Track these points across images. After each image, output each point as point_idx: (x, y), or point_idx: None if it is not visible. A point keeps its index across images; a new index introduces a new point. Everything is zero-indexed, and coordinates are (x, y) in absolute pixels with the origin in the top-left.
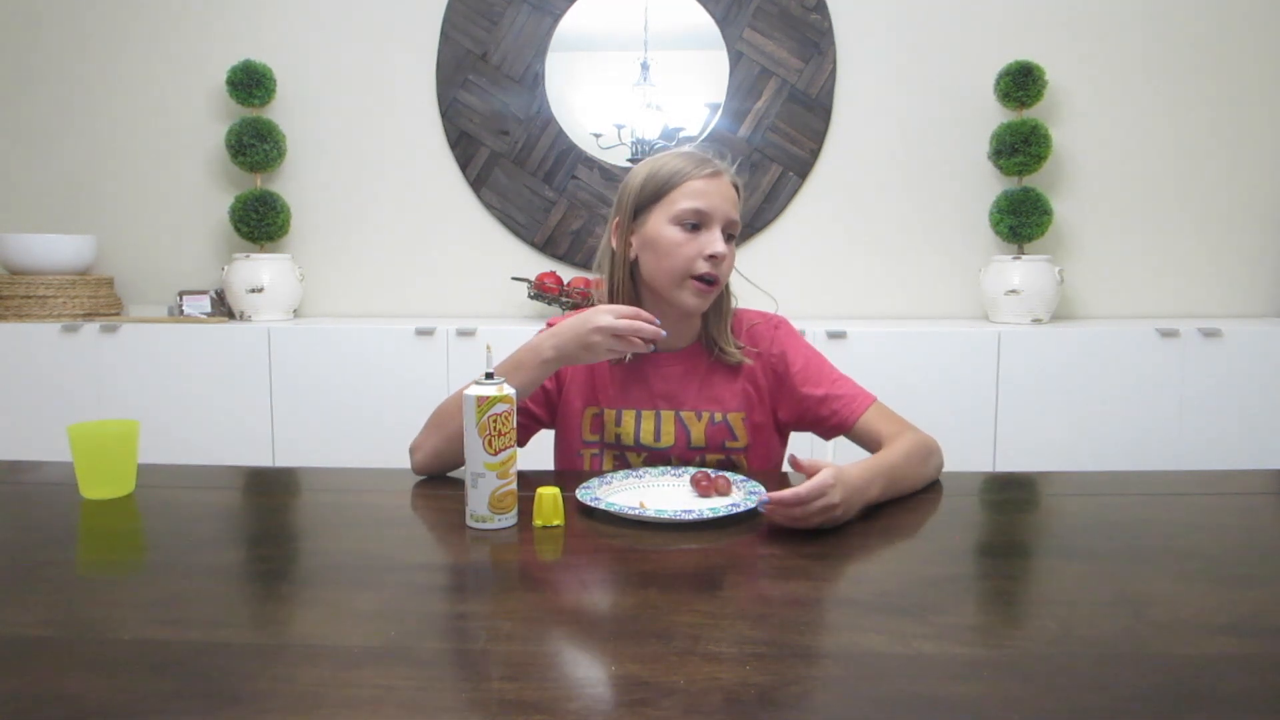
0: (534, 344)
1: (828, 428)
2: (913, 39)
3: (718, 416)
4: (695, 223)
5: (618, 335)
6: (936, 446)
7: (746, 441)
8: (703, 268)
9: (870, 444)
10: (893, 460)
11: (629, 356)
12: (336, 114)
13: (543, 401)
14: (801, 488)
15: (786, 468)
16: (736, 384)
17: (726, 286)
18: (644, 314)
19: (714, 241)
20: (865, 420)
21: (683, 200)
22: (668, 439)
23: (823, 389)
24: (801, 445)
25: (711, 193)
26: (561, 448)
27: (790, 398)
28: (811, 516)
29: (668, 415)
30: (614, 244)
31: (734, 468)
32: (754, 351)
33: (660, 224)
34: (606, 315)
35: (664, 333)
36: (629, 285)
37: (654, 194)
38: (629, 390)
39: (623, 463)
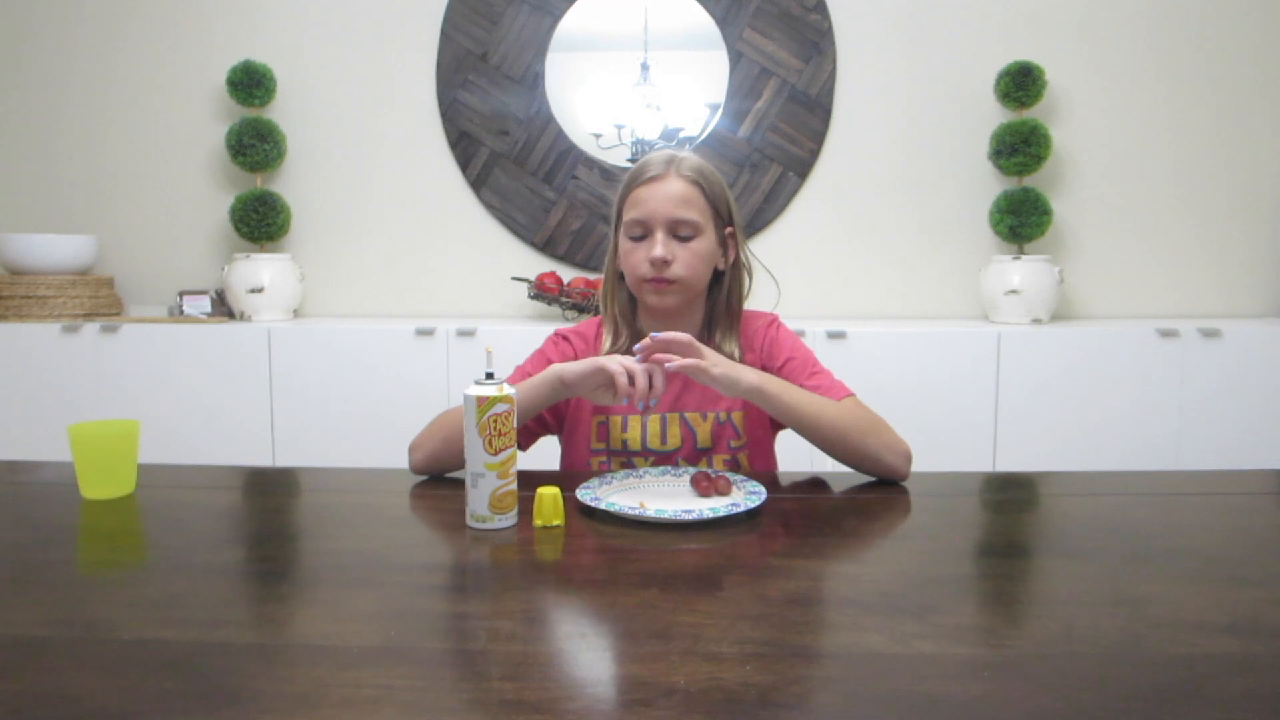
0: (553, 369)
1: None
2: (913, 39)
3: (723, 416)
4: (639, 233)
5: (628, 370)
6: (901, 448)
7: (746, 439)
8: (649, 272)
9: None
10: (799, 392)
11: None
12: (336, 114)
13: (551, 408)
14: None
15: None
16: None
17: (730, 287)
18: (656, 375)
19: (654, 246)
20: None
21: (627, 212)
22: (674, 441)
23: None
24: (803, 453)
25: (649, 199)
26: (569, 457)
27: None
28: (680, 345)
29: (673, 418)
30: (611, 251)
31: (737, 467)
32: (748, 350)
33: (621, 236)
34: (633, 358)
35: (653, 401)
36: (622, 291)
37: (618, 208)
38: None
39: (630, 468)
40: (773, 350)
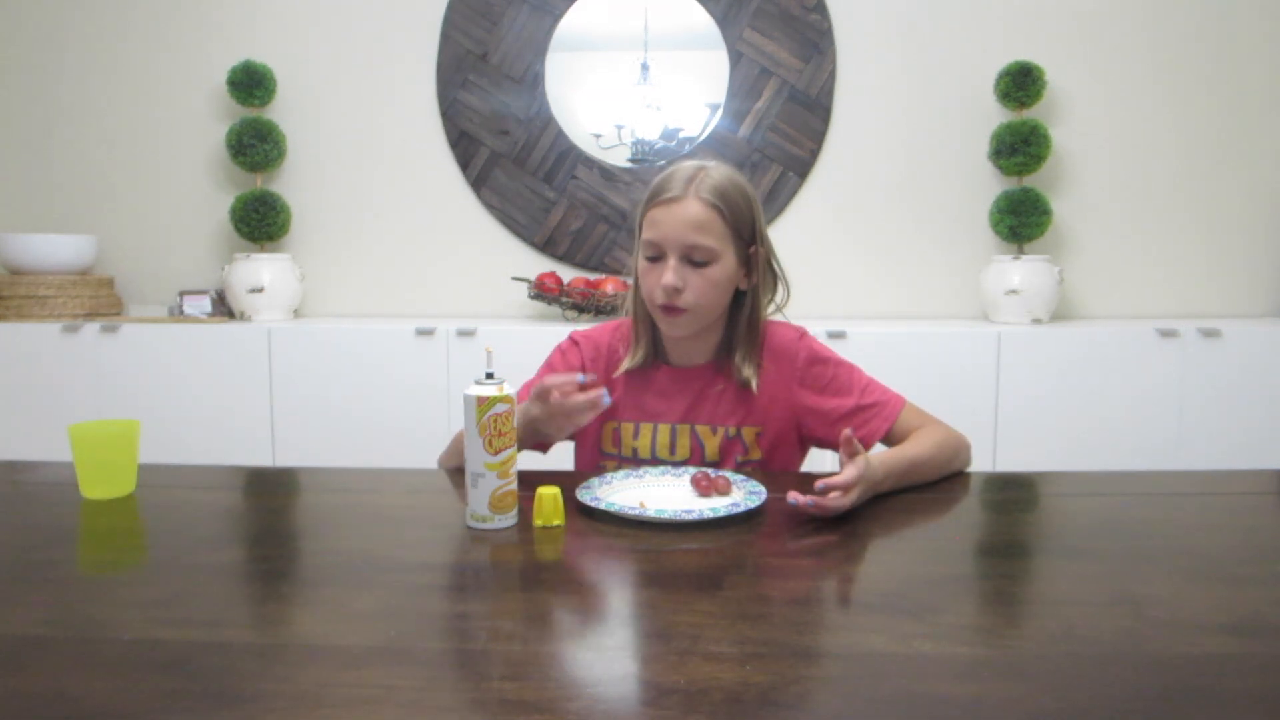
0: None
1: (860, 438)
2: (912, 39)
3: (731, 431)
4: (654, 254)
5: (553, 398)
6: (966, 443)
7: (761, 456)
8: (659, 298)
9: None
10: (914, 455)
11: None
12: (336, 114)
13: None
14: (841, 479)
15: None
16: (755, 398)
17: (752, 307)
18: (573, 379)
19: (664, 272)
20: (898, 425)
21: (645, 230)
22: (683, 452)
23: (852, 400)
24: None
25: (664, 222)
26: (580, 460)
27: (816, 412)
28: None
29: (683, 429)
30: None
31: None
32: (774, 366)
33: (638, 253)
34: (545, 381)
35: (604, 395)
36: (642, 304)
37: (638, 221)
38: (646, 404)
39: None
40: (809, 370)
